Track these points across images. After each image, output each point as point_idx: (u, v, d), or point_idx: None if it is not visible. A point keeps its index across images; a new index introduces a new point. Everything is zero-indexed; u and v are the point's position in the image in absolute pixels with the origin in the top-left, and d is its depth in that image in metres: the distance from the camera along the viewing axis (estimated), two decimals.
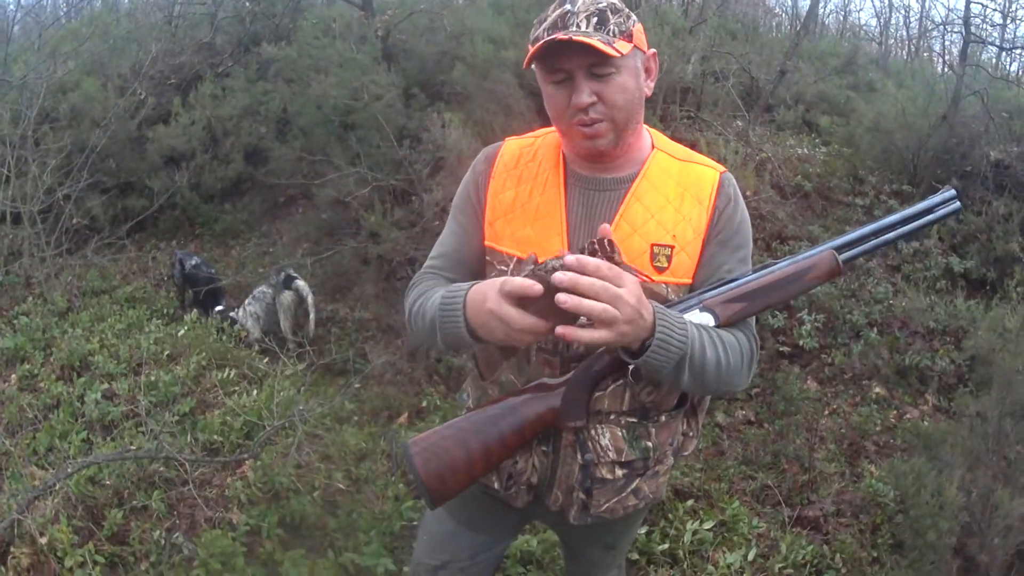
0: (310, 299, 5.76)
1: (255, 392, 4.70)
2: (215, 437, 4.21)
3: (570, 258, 1.45)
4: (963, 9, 7.91)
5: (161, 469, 3.84)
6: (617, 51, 1.57)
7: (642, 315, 1.48)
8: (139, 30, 9.91)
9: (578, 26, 1.59)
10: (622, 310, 1.44)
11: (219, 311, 6.02)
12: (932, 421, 4.91)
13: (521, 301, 1.50)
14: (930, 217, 1.77)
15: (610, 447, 1.78)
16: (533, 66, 1.69)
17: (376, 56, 6.82)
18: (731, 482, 4.29)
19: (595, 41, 1.55)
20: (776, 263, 1.72)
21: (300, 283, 5.80)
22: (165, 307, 6.34)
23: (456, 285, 1.70)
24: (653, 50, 1.73)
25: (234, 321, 5.79)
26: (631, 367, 1.61)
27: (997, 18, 10.59)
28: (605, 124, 1.66)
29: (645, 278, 1.64)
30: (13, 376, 5.02)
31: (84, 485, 3.65)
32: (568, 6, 1.63)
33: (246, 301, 5.95)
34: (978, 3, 8.84)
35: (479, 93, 6.17)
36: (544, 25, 1.64)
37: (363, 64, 6.67)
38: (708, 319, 1.66)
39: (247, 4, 9.35)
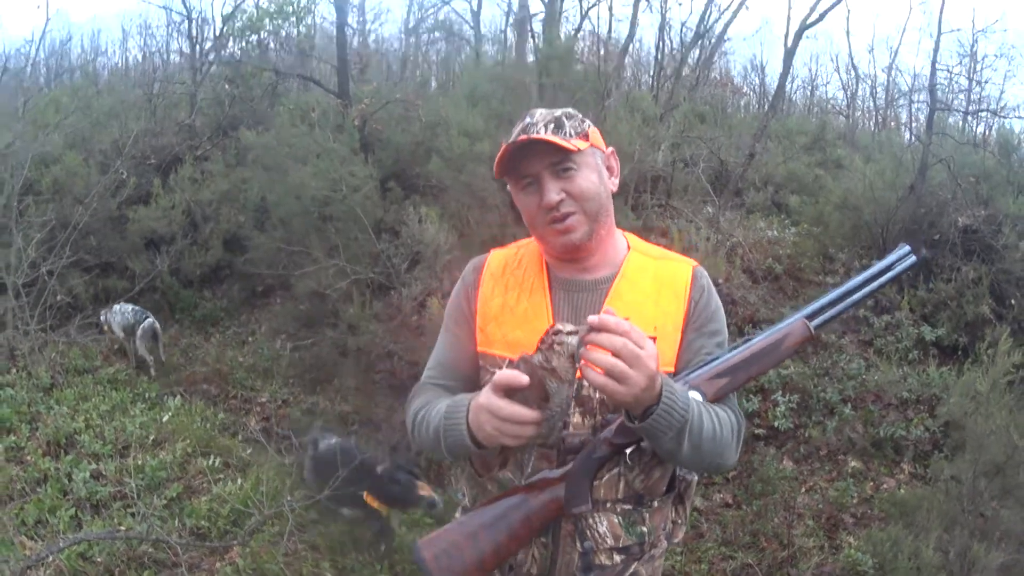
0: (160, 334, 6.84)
1: (240, 480, 4.80)
2: (202, 522, 4.31)
3: (592, 318, 1.51)
4: (929, 76, 8.08)
5: (151, 551, 3.92)
6: (575, 146, 1.72)
7: (654, 381, 1.55)
8: (120, 106, 10.06)
9: (538, 132, 1.75)
10: (639, 370, 1.50)
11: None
12: (908, 488, 4.96)
13: (508, 392, 1.56)
14: (890, 274, 1.87)
15: (608, 534, 1.84)
16: (506, 182, 1.84)
17: (353, 147, 6.92)
18: (711, 563, 4.33)
19: (553, 137, 1.71)
20: (752, 338, 1.81)
21: (153, 322, 6.85)
22: (146, 391, 6.34)
23: (460, 396, 1.78)
24: (611, 148, 1.87)
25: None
26: (629, 450, 1.69)
27: (963, 82, 10.90)
28: (576, 216, 1.77)
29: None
30: None
31: (75, 560, 3.75)
32: (528, 119, 1.79)
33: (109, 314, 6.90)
34: (944, 69, 9.08)
35: (455, 186, 6.28)
36: (509, 141, 1.77)
37: (341, 155, 6.77)
38: (696, 396, 1.73)
39: (226, 87, 9.49)
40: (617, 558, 1.86)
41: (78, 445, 5.16)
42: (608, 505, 1.83)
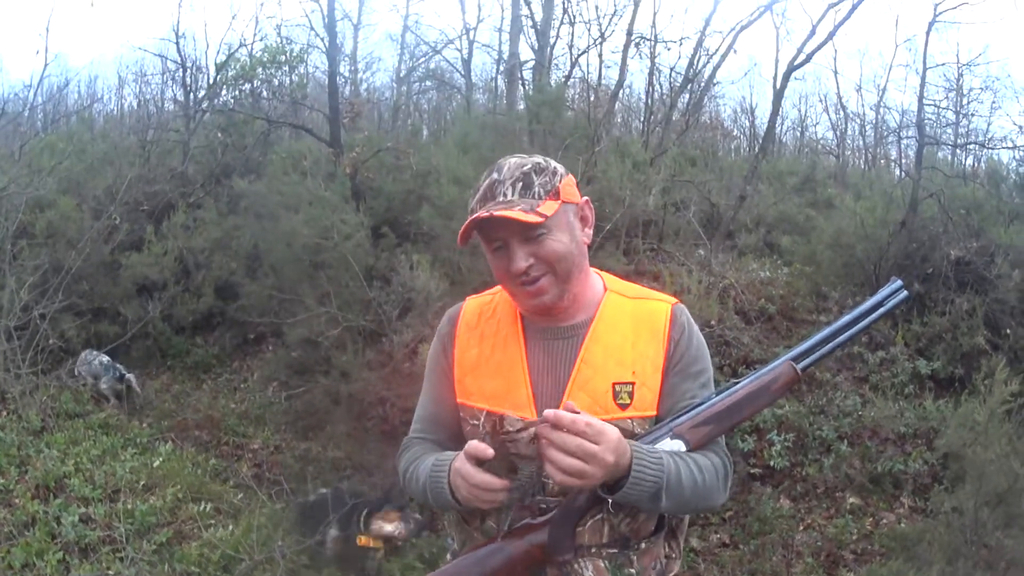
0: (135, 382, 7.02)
1: (231, 526, 4.79)
2: (193, 568, 4.29)
3: (548, 412, 1.53)
4: (916, 111, 8.14)
5: None
6: (541, 215, 1.66)
7: (618, 464, 1.56)
8: (114, 152, 10.13)
9: (504, 195, 1.68)
10: (595, 466, 1.52)
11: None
12: (909, 522, 4.93)
13: (478, 461, 1.61)
14: (881, 310, 1.85)
15: None
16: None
17: (345, 195, 6.95)
18: None
19: (516, 214, 1.64)
20: (739, 382, 1.78)
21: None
22: (138, 436, 6.30)
23: (445, 454, 1.78)
24: (585, 198, 1.81)
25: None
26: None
27: (950, 116, 11.00)
28: (547, 278, 1.74)
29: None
30: None
31: None
32: (495, 175, 1.72)
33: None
34: (931, 104, 9.16)
35: (445, 234, 6.30)
36: (476, 197, 1.73)
37: (332, 202, 6.79)
38: (679, 445, 1.72)
39: (219, 135, 9.56)
40: None
41: (68, 489, 5.14)
42: (593, 550, 1.81)
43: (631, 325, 1.82)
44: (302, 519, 4.87)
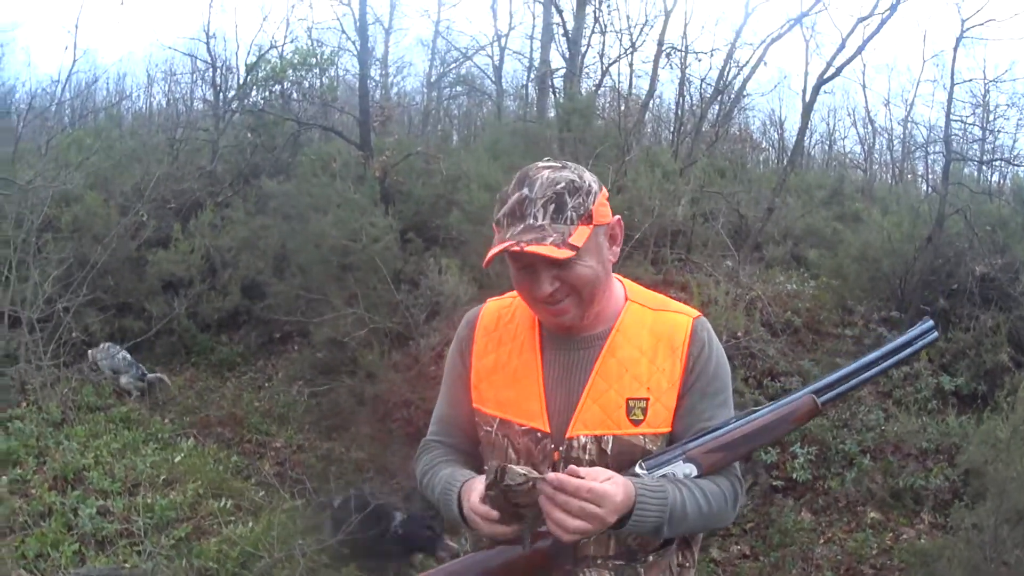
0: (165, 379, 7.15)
1: (252, 523, 4.77)
2: (211, 564, 4.27)
3: (551, 476, 1.54)
4: (944, 127, 8.13)
5: None
6: (572, 247, 1.61)
7: (624, 511, 1.58)
8: (142, 149, 10.16)
9: (535, 216, 1.61)
10: (597, 524, 1.54)
11: None
12: (929, 538, 4.88)
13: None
14: (909, 350, 1.83)
15: None
16: None
17: (374, 198, 6.98)
18: None
19: (548, 250, 1.59)
20: (758, 410, 1.77)
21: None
22: (160, 432, 6.32)
23: (454, 475, 1.78)
24: (617, 217, 1.74)
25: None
26: None
27: (977, 132, 10.94)
28: (570, 300, 1.70)
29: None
30: (4, 478, 5.02)
31: None
32: (526, 191, 1.63)
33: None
34: (958, 120, 9.13)
35: (475, 239, 6.31)
36: (504, 210, 1.65)
37: (361, 205, 6.82)
38: (691, 469, 1.71)
39: (248, 135, 9.61)
40: None
41: (86, 481, 5.13)
42: (599, 561, 1.80)
43: (649, 338, 1.78)
44: (324, 519, 4.91)
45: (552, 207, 1.61)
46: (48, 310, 6.92)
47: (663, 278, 6.34)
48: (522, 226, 1.61)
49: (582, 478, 1.53)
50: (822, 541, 5.02)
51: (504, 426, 1.81)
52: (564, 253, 1.59)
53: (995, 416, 3.96)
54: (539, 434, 1.77)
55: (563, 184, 1.63)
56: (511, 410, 1.80)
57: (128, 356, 7.24)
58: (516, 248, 1.58)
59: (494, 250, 1.62)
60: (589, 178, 1.68)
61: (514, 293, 1.91)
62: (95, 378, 7.04)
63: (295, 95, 10.34)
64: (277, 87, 10.21)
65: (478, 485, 1.65)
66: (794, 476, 5.42)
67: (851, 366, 1.82)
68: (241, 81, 10.74)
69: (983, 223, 7.45)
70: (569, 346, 1.79)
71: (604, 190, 1.72)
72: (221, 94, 11.02)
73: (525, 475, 1.55)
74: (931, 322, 1.84)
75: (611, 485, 1.54)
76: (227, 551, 4.37)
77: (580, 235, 1.62)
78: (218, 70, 11.20)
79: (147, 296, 8.02)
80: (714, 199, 7.81)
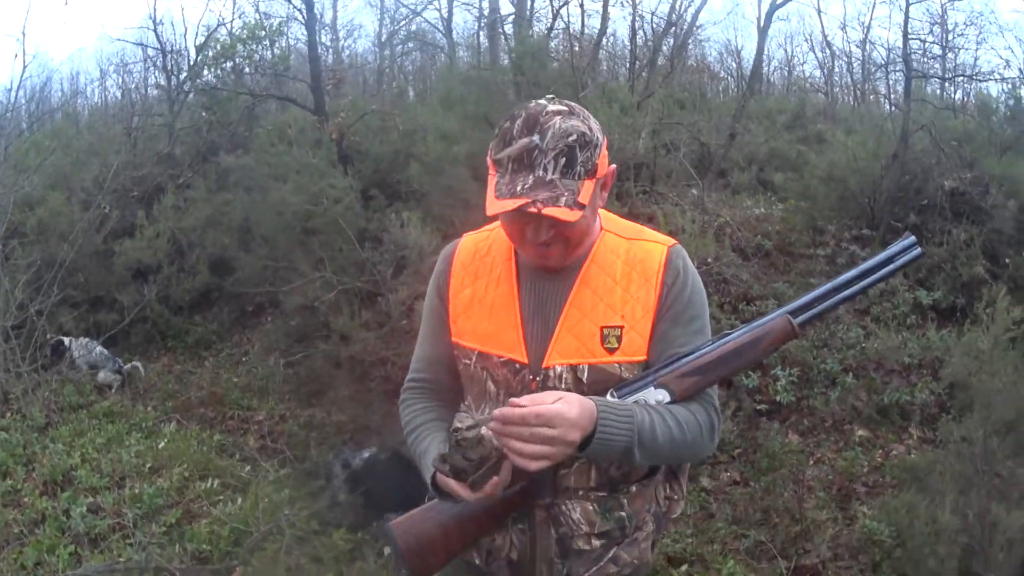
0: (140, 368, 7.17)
1: (240, 500, 4.74)
2: (204, 546, 4.26)
3: (496, 412, 1.52)
4: (902, 47, 8.09)
5: None
6: (581, 206, 1.60)
7: (586, 431, 1.55)
8: (100, 142, 10.03)
9: (545, 169, 1.59)
10: (559, 446, 1.52)
11: None
12: (919, 453, 4.88)
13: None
14: (891, 267, 1.81)
15: (582, 520, 1.81)
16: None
17: (332, 160, 6.91)
18: (723, 543, 4.26)
19: (563, 213, 1.58)
20: (731, 333, 1.76)
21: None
22: (143, 420, 6.27)
23: (431, 449, 1.78)
24: (613, 166, 1.74)
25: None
26: None
27: (936, 50, 10.92)
28: (559, 245, 1.70)
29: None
30: None
31: None
32: (536, 139, 1.59)
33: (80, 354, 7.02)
34: (916, 38, 9.09)
35: (435, 189, 6.27)
36: (508, 152, 1.62)
37: (320, 168, 6.75)
38: (663, 395, 1.70)
39: (203, 114, 9.50)
40: (596, 543, 1.84)
41: (75, 481, 5.10)
42: (580, 493, 1.81)
43: (623, 267, 1.78)
44: (309, 484, 4.89)
45: (563, 160, 1.59)
46: (21, 316, 6.86)
47: (628, 211, 6.28)
48: (532, 178, 1.59)
49: (524, 406, 1.50)
50: (811, 462, 5.01)
51: (483, 359, 1.82)
52: (576, 215, 1.59)
53: (975, 328, 3.93)
54: (517, 365, 1.78)
55: (575, 136, 1.60)
56: (489, 342, 1.80)
57: (104, 350, 7.20)
58: (534, 210, 1.56)
59: (509, 205, 1.59)
60: (596, 127, 1.66)
61: (492, 226, 1.92)
62: (75, 376, 6.98)
63: (247, 69, 10.21)
64: (228, 64, 10.03)
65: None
66: (777, 399, 5.39)
67: (828, 285, 1.79)
68: (192, 62, 10.60)
69: (949, 139, 7.47)
70: (545, 277, 1.79)
71: (606, 138, 1.70)
72: (173, 78, 10.84)
73: (474, 422, 1.55)
74: (913, 237, 1.81)
75: (562, 404, 1.52)
76: (218, 531, 4.36)
77: (587, 191, 1.62)
78: (168, 55, 11.01)
79: (117, 287, 7.92)
80: (675, 130, 7.76)
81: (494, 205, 1.61)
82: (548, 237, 1.66)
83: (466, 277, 1.89)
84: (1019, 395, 3.58)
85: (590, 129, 1.63)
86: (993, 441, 3.61)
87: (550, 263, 1.75)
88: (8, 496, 4.98)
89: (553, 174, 1.59)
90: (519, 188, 1.59)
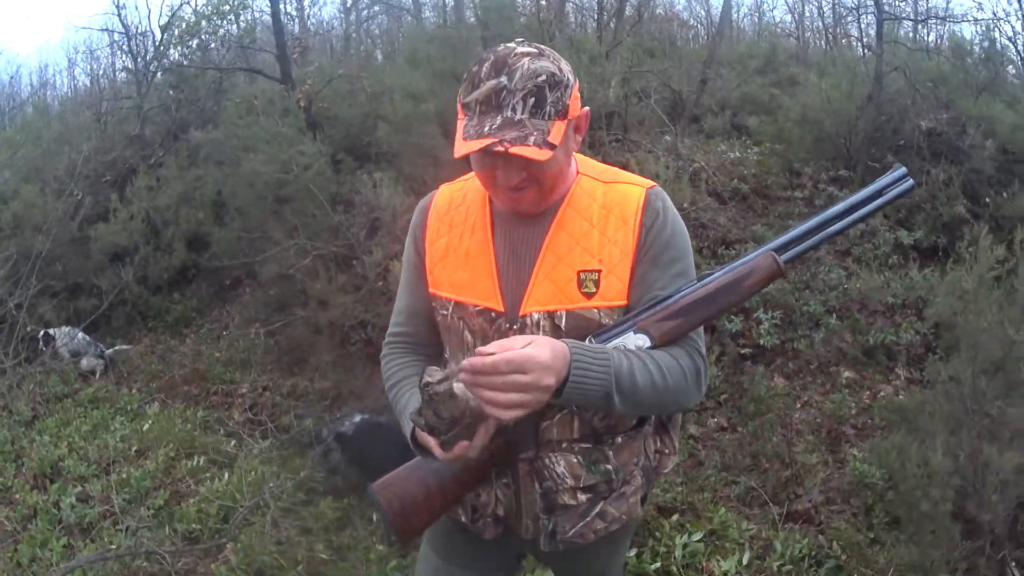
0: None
1: (226, 476, 4.71)
2: (193, 525, 4.21)
3: (465, 362, 1.46)
4: None
5: (145, 564, 3.83)
6: (551, 146, 1.56)
7: (558, 371, 1.50)
8: (69, 131, 9.98)
9: (514, 108, 1.56)
10: (533, 392, 1.46)
11: None
12: (907, 394, 4.86)
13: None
14: (880, 200, 1.74)
15: (567, 474, 1.77)
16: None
17: (300, 127, 6.85)
18: (714, 490, 4.25)
19: (532, 152, 1.54)
20: (713, 273, 1.71)
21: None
22: (128, 403, 6.23)
23: (410, 405, 1.74)
24: (586, 109, 1.69)
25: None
26: None
27: None
28: (532, 190, 1.66)
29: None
30: None
31: None
32: (504, 80, 1.57)
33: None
34: None
35: (405, 149, 6.22)
36: (476, 95, 1.59)
37: (289, 137, 6.69)
38: (643, 340, 1.65)
39: (171, 93, 9.41)
40: (582, 497, 1.81)
41: (64, 471, 5.05)
42: (564, 445, 1.77)
43: (600, 210, 1.73)
44: (294, 454, 4.88)
45: (532, 100, 1.56)
46: (1, 311, 6.80)
47: (601, 159, 6.24)
48: (500, 118, 1.56)
49: (492, 353, 1.44)
50: (799, 406, 4.99)
51: (459, 308, 1.78)
52: (545, 154, 1.55)
53: (958, 268, 3.90)
54: (493, 314, 1.74)
55: (544, 77, 1.57)
56: (465, 291, 1.77)
57: (86, 337, 7.15)
58: (501, 148, 1.52)
59: (475, 145, 1.55)
60: (566, 68, 1.62)
61: (467, 177, 1.88)
62: (58, 366, 6.92)
63: (213, 45, 10.14)
64: (194, 41, 9.97)
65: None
66: (761, 342, 5.38)
67: (814, 219, 1.72)
68: (157, 43, 10.48)
69: (923, 80, 7.41)
70: (519, 223, 1.75)
71: (577, 81, 1.65)
72: (140, 60, 10.73)
73: (444, 375, 1.48)
74: (903, 168, 1.73)
75: (533, 348, 1.46)
76: (206, 509, 4.32)
77: (557, 131, 1.58)
78: (133, 38, 10.88)
79: (95, 272, 7.88)
80: (645, 78, 7.70)
81: (461, 147, 1.58)
82: (520, 180, 1.63)
83: (441, 227, 1.85)
84: (1005, 334, 3.54)
85: (560, 70, 1.61)
86: (982, 381, 3.58)
87: (523, 207, 1.70)
88: (0, 494, 4.93)
89: (522, 114, 1.56)
90: (487, 129, 1.55)
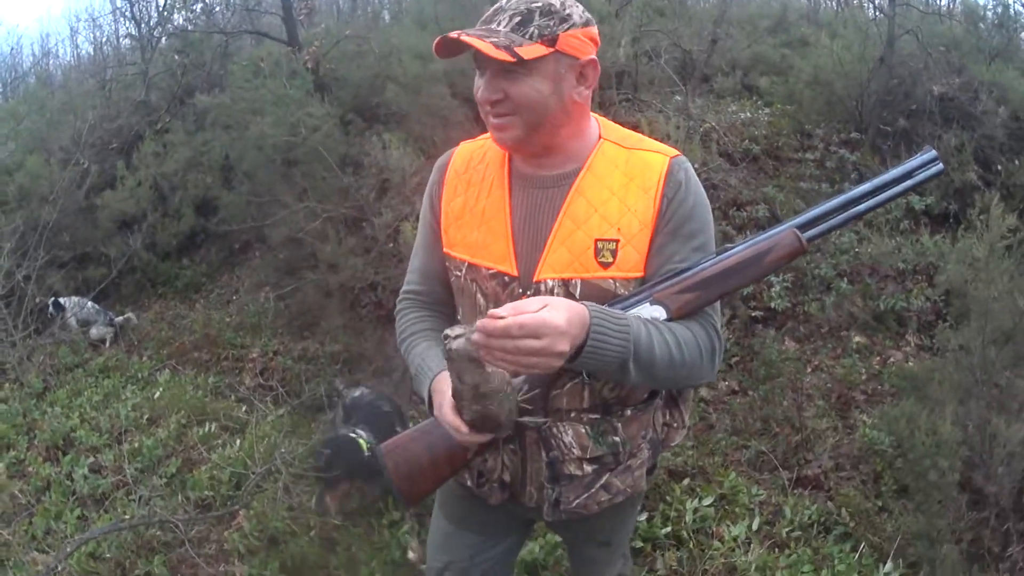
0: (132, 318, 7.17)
1: (238, 442, 4.71)
2: (206, 493, 4.23)
3: (480, 323, 1.41)
4: None
5: (158, 533, 3.86)
6: (514, 55, 1.54)
7: (577, 339, 1.46)
8: (74, 100, 9.92)
9: (499, 22, 1.58)
10: (547, 357, 1.42)
11: None
12: (917, 361, 4.85)
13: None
14: (909, 182, 1.71)
15: (574, 444, 1.76)
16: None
17: (308, 89, 6.80)
18: (724, 455, 4.24)
19: (482, 45, 1.53)
20: (733, 247, 1.68)
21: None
22: (139, 371, 6.23)
23: (426, 362, 1.77)
24: (591, 57, 1.65)
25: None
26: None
27: None
28: (511, 118, 1.63)
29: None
30: (1, 464, 4.93)
31: (86, 562, 3.67)
32: (502, 2, 1.61)
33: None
34: None
35: (414, 110, 6.18)
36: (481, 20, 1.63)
37: (296, 99, 6.64)
38: (660, 312, 1.62)
39: (176, 58, 9.33)
40: (588, 468, 1.79)
41: (76, 442, 5.06)
42: (572, 415, 1.74)
43: (621, 178, 1.68)
44: (305, 420, 4.89)
45: (518, 19, 1.57)
46: (9, 284, 6.78)
47: (612, 119, 6.20)
48: (482, 28, 1.57)
49: (504, 316, 1.38)
50: (809, 370, 4.97)
51: (472, 270, 1.76)
52: (500, 55, 1.52)
53: (969, 235, 3.85)
54: (507, 278, 1.71)
55: (539, 4, 1.59)
56: (479, 253, 1.74)
57: (95, 305, 7.15)
58: (453, 35, 1.53)
59: (439, 39, 1.58)
60: (577, 11, 1.60)
61: (487, 135, 1.83)
62: (67, 337, 6.92)
63: (218, 8, 10.07)
64: (198, 5, 9.88)
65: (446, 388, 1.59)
66: (772, 305, 5.36)
67: (841, 197, 1.69)
68: (161, 7, 10.40)
69: (936, 44, 7.31)
70: (538, 184, 1.72)
71: (591, 28, 1.63)
72: (144, 25, 10.65)
73: (462, 332, 1.41)
74: (934, 152, 1.70)
75: (548, 312, 1.41)
76: (218, 476, 4.34)
77: (532, 51, 1.55)
78: (136, 3, 10.80)
79: (103, 240, 7.88)
80: (655, 37, 7.64)
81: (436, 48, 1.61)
82: (496, 97, 1.60)
83: (459, 185, 1.83)
84: (1016, 305, 3.50)
85: (562, 5, 1.59)
86: (991, 351, 3.54)
87: (507, 140, 1.67)
88: (13, 467, 4.94)
89: (504, 28, 1.57)
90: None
